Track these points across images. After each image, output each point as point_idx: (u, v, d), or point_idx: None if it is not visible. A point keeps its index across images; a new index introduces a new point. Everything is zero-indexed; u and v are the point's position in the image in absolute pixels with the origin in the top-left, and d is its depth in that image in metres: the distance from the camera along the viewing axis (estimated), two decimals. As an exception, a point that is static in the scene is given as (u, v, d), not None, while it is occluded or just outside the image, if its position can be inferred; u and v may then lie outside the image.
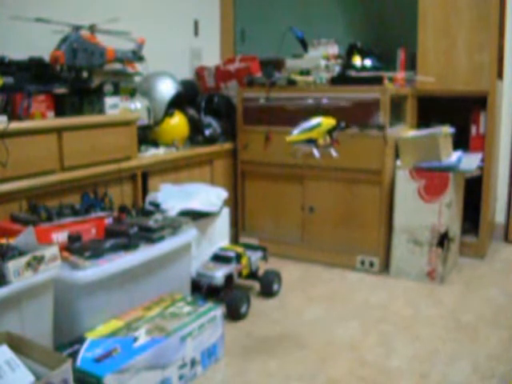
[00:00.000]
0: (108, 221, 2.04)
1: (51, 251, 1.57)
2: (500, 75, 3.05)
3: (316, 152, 2.02)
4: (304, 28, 3.21)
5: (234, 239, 3.19)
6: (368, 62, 3.09)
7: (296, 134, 2.03)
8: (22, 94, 2.04)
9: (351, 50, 3.17)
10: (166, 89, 2.83)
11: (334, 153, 2.05)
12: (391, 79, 2.88)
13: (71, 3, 2.58)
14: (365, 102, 2.74)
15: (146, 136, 2.76)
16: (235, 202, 3.23)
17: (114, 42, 2.45)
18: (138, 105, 2.59)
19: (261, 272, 2.57)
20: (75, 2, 2.60)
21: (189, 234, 2.14)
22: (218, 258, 2.47)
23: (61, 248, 1.71)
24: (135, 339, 1.67)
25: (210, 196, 2.46)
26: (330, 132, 2.05)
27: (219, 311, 1.94)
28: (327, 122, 2.04)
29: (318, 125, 2.04)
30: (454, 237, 2.83)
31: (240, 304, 2.29)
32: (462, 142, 2.97)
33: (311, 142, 2.04)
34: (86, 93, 2.35)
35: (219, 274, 2.33)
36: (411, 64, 3.11)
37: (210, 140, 3.06)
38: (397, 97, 2.87)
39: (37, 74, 2.12)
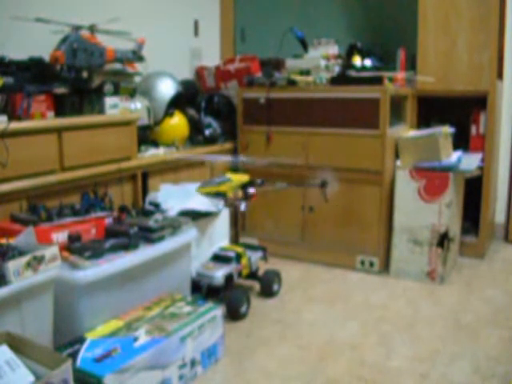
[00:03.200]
0: (108, 221, 2.04)
1: (51, 251, 1.57)
2: (500, 75, 3.05)
3: (242, 206, 2.24)
4: (304, 28, 3.22)
5: (234, 239, 3.19)
6: (368, 62, 3.09)
7: (205, 186, 2.23)
8: (22, 94, 2.04)
9: (351, 50, 3.17)
10: (166, 89, 2.83)
11: (242, 207, 2.26)
12: (391, 79, 2.88)
13: (71, 3, 2.58)
14: (365, 102, 2.74)
15: (146, 136, 2.76)
16: (235, 202, 3.23)
17: (114, 42, 2.45)
18: (138, 105, 2.59)
19: (261, 272, 2.57)
20: (75, 2, 2.60)
21: (189, 234, 2.14)
22: (218, 258, 2.47)
23: (61, 248, 1.70)
24: (135, 339, 1.67)
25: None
26: (243, 187, 2.24)
27: (219, 311, 1.94)
28: (238, 178, 2.25)
29: (228, 180, 2.24)
30: (454, 237, 2.83)
31: (240, 304, 2.28)
32: (462, 141, 2.97)
33: (220, 195, 2.24)
34: (86, 93, 2.35)
35: (219, 274, 2.32)
36: (411, 64, 3.11)
37: (210, 140, 3.06)
38: (397, 97, 2.87)
39: (37, 74, 2.12)
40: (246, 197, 2.22)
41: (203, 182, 2.26)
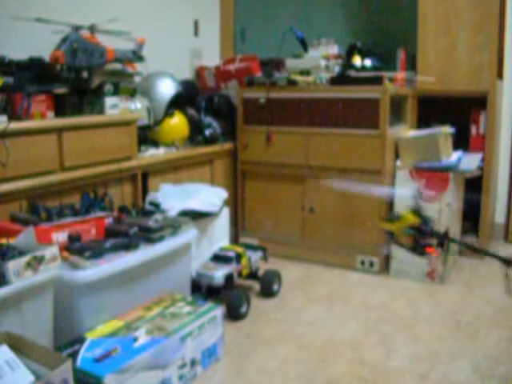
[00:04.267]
0: (108, 221, 2.04)
1: (51, 251, 1.57)
2: (500, 75, 3.05)
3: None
4: (304, 28, 3.22)
5: (234, 239, 3.19)
6: (368, 62, 3.09)
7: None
8: (22, 94, 2.04)
9: (351, 50, 3.17)
10: (166, 89, 2.83)
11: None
12: (391, 79, 2.88)
13: (71, 3, 2.58)
14: (365, 102, 2.74)
15: (146, 136, 2.76)
16: (235, 202, 3.23)
17: (114, 41, 2.45)
18: (138, 105, 2.59)
19: (261, 272, 2.57)
20: (75, 2, 2.60)
21: (189, 233, 2.14)
22: (218, 258, 2.47)
23: (61, 248, 1.71)
24: (135, 339, 1.67)
25: (209, 196, 2.46)
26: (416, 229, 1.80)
27: (219, 311, 1.94)
28: (409, 217, 1.81)
29: (399, 217, 1.83)
30: (454, 237, 2.83)
31: (240, 304, 2.28)
32: (462, 141, 2.97)
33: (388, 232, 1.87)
34: (86, 93, 2.35)
35: (219, 274, 2.32)
36: (411, 64, 3.11)
37: (210, 140, 3.06)
38: (397, 97, 2.87)
39: (37, 74, 2.12)
40: (415, 241, 1.80)
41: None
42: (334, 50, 3.13)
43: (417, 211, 1.86)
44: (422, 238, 1.78)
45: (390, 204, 2.79)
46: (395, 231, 1.84)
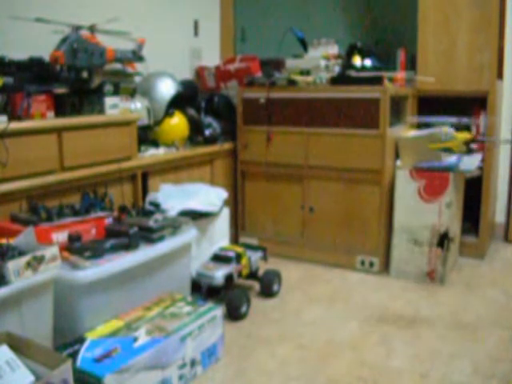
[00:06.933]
0: (108, 221, 2.04)
1: (51, 251, 1.57)
2: (500, 75, 3.05)
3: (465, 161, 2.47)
4: (304, 28, 3.22)
5: (234, 239, 3.19)
6: (368, 62, 3.09)
7: (434, 143, 2.50)
8: (22, 94, 2.04)
9: (351, 50, 3.17)
10: (166, 89, 2.83)
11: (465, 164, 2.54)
12: (391, 79, 2.88)
13: (71, 3, 2.58)
14: (365, 102, 2.74)
15: (146, 136, 2.76)
16: (235, 202, 3.23)
17: (114, 42, 2.45)
18: (138, 105, 2.59)
19: (261, 272, 2.57)
20: (75, 2, 2.60)
21: (189, 233, 2.14)
22: (218, 258, 2.47)
23: (61, 248, 1.70)
24: (135, 339, 1.67)
25: (209, 196, 2.46)
26: (466, 143, 2.55)
27: (219, 311, 1.94)
28: (461, 136, 2.54)
29: (454, 137, 2.52)
30: (454, 237, 2.83)
31: (240, 304, 2.29)
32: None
33: (447, 150, 2.51)
34: (86, 93, 2.35)
35: (219, 273, 2.33)
36: (411, 64, 3.11)
37: (210, 140, 3.06)
38: (397, 97, 2.87)
39: (37, 74, 2.12)
40: (469, 150, 2.50)
41: (426, 137, 2.51)
42: (334, 50, 3.13)
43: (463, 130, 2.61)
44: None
45: (390, 204, 2.79)
46: (453, 147, 2.49)
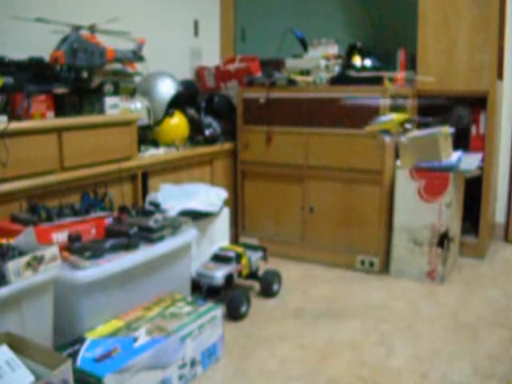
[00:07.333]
0: (108, 221, 2.04)
1: (51, 251, 1.57)
2: (500, 75, 3.05)
3: (387, 138, 2.58)
4: (304, 28, 3.22)
5: (234, 239, 3.19)
6: (368, 62, 3.09)
7: (372, 125, 2.55)
8: (22, 94, 2.04)
9: (351, 50, 3.17)
10: (166, 89, 2.83)
11: (387, 139, 2.63)
12: (391, 79, 2.88)
13: (71, 3, 2.58)
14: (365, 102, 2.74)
15: (146, 136, 2.76)
16: (235, 202, 3.23)
17: (114, 42, 2.45)
18: (138, 105, 2.59)
19: (261, 272, 2.57)
20: (75, 2, 2.60)
21: (189, 233, 2.14)
22: (218, 258, 2.47)
23: (61, 248, 1.70)
24: (135, 339, 1.67)
25: (209, 196, 2.46)
26: (402, 124, 2.59)
27: (219, 311, 1.94)
28: (398, 117, 2.58)
29: (391, 118, 2.55)
30: (454, 237, 2.83)
31: (240, 304, 2.29)
32: (461, 141, 2.97)
33: (385, 131, 2.54)
34: (86, 93, 2.35)
35: (219, 274, 2.33)
36: (411, 64, 3.11)
37: (210, 140, 3.06)
38: (397, 97, 2.86)
39: (37, 74, 2.12)
40: (405, 131, 2.59)
41: (372, 121, 2.55)
42: (334, 50, 3.13)
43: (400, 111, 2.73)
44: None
45: (390, 204, 2.79)
46: (391, 128, 2.53)
